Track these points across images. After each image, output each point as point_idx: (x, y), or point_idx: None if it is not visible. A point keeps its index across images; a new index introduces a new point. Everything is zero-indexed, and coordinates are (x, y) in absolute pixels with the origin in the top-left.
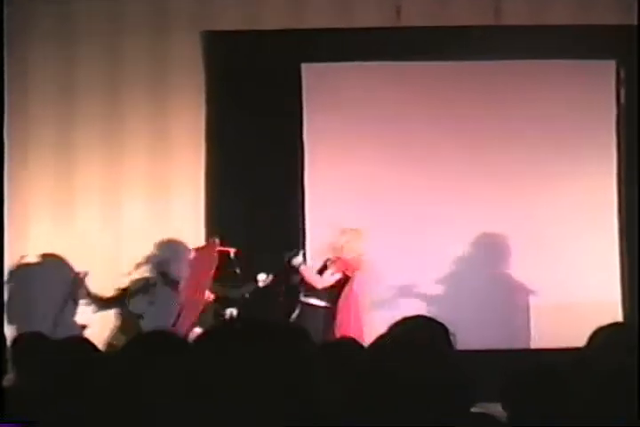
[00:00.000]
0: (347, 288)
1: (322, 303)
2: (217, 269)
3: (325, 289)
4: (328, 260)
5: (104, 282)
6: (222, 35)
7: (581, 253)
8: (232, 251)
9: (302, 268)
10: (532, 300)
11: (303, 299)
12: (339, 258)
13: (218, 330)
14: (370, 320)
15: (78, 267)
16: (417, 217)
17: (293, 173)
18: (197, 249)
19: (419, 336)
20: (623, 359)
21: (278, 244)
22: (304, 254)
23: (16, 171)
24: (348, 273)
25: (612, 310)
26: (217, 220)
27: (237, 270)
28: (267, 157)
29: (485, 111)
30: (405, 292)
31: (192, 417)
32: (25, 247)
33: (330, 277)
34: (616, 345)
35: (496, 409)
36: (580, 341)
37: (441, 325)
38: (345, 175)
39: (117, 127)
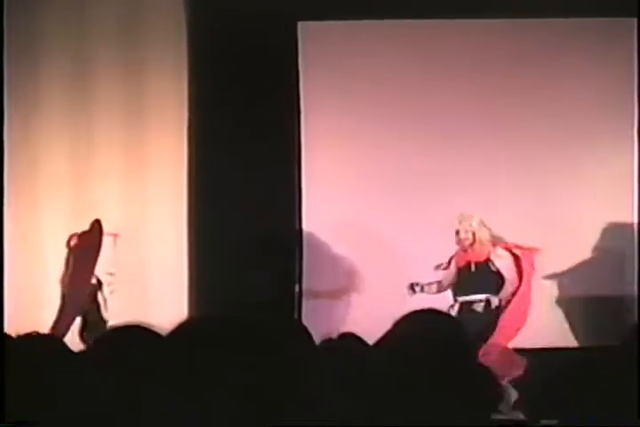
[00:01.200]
0: (526, 269)
1: (481, 297)
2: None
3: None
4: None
5: None
6: None
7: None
8: (115, 235)
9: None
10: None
11: (462, 298)
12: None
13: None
14: None
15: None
16: (417, 188)
17: (290, 140)
18: (79, 235)
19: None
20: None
21: (269, 228)
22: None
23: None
24: (517, 251)
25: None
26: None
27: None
28: (258, 130)
29: (497, 73)
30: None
31: (182, 417)
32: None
33: (510, 264)
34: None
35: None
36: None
37: (452, 318)
38: (343, 139)
39: (87, 94)
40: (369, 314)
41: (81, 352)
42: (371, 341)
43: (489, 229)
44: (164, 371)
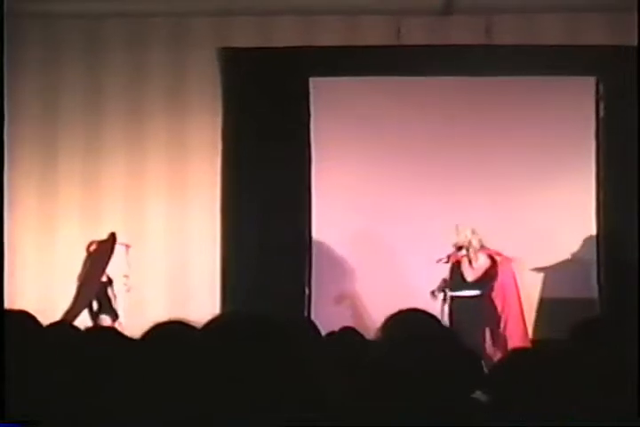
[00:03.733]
0: (502, 273)
1: (473, 293)
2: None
3: (475, 280)
4: (451, 255)
5: None
6: (238, 51)
7: (563, 255)
8: (128, 246)
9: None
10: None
11: (451, 293)
12: (486, 248)
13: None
14: None
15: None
16: (422, 220)
17: (302, 179)
18: (97, 242)
19: (413, 328)
20: (601, 353)
21: (288, 244)
22: (309, 255)
23: (43, 176)
24: (498, 257)
25: (590, 306)
26: (231, 223)
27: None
28: (278, 165)
29: (478, 121)
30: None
31: (193, 410)
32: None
33: (483, 265)
34: (593, 339)
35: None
36: (562, 334)
37: (433, 317)
38: (350, 181)
39: (139, 134)
40: (372, 312)
41: (131, 343)
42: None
43: (479, 238)
44: (199, 360)
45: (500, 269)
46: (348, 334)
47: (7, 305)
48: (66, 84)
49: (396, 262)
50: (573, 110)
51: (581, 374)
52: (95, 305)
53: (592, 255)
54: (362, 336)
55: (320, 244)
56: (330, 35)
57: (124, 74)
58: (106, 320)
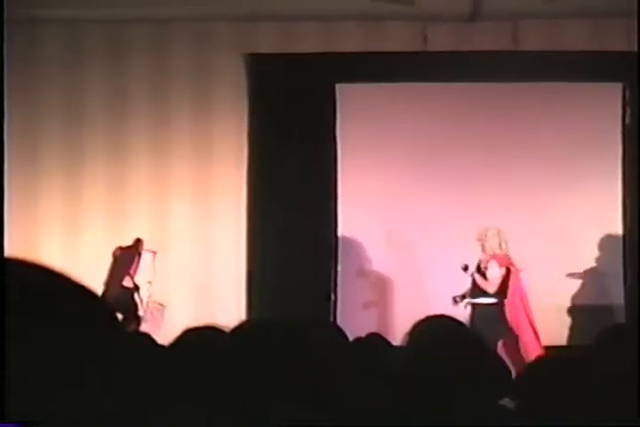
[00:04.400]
0: (513, 283)
1: (491, 300)
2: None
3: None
4: (481, 260)
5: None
6: (263, 57)
7: (589, 257)
8: (154, 252)
9: (475, 277)
10: (544, 301)
11: (470, 300)
12: (495, 255)
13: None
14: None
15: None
16: (447, 224)
17: (328, 184)
18: (122, 248)
19: (442, 334)
20: (625, 359)
21: (314, 249)
22: (336, 255)
23: (69, 181)
24: (512, 268)
25: (616, 313)
26: (256, 228)
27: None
28: (303, 169)
29: (504, 127)
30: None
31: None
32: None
33: (497, 275)
34: (619, 346)
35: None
36: (584, 340)
37: (460, 323)
38: (376, 185)
39: (164, 140)
40: (398, 318)
41: (162, 349)
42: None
43: (500, 242)
44: (226, 366)
45: (512, 278)
46: (375, 340)
47: None
48: (90, 88)
49: (423, 267)
50: (600, 116)
51: (607, 380)
52: (123, 310)
53: (618, 261)
54: (388, 342)
55: (346, 248)
56: (356, 41)
57: (149, 79)
58: (131, 326)
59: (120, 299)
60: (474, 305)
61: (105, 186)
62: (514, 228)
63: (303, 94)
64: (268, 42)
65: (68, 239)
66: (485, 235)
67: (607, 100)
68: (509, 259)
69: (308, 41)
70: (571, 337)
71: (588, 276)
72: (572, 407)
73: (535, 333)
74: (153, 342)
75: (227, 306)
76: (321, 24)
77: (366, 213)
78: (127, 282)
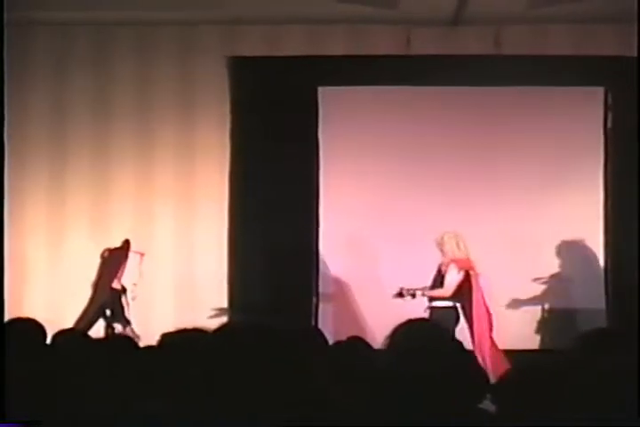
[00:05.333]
0: (473, 286)
1: (450, 304)
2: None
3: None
4: (442, 264)
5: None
6: (247, 60)
7: (570, 264)
8: (142, 254)
9: (420, 294)
10: (524, 306)
11: (430, 304)
12: (455, 259)
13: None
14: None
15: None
16: (425, 228)
17: (311, 187)
18: (111, 249)
19: (422, 337)
20: (607, 362)
21: (296, 252)
22: (317, 263)
23: (53, 183)
24: (471, 272)
25: (598, 317)
26: (239, 230)
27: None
28: (286, 172)
29: (486, 131)
30: None
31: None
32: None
33: (455, 279)
34: (601, 349)
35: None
36: (567, 344)
37: (442, 328)
38: (358, 189)
39: (148, 143)
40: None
41: (148, 349)
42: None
43: (458, 245)
44: (206, 367)
45: (473, 283)
46: (355, 344)
47: (17, 314)
48: (74, 92)
49: (405, 269)
50: (582, 121)
51: (588, 384)
52: (108, 313)
53: (599, 266)
54: (369, 345)
55: (328, 251)
56: (339, 44)
57: (133, 81)
58: (117, 328)
59: (108, 301)
60: (432, 308)
61: (89, 188)
62: (493, 234)
63: (286, 97)
64: (252, 45)
65: (53, 241)
66: (442, 238)
67: (589, 104)
68: (470, 262)
69: (292, 44)
70: (538, 341)
71: (571, 280)
72: (551, 412)
73: (490, 336)
74: (135, 345)
75: (209, 308)
76: (304, 27)
77: (348, 216)
78: (115, 284)
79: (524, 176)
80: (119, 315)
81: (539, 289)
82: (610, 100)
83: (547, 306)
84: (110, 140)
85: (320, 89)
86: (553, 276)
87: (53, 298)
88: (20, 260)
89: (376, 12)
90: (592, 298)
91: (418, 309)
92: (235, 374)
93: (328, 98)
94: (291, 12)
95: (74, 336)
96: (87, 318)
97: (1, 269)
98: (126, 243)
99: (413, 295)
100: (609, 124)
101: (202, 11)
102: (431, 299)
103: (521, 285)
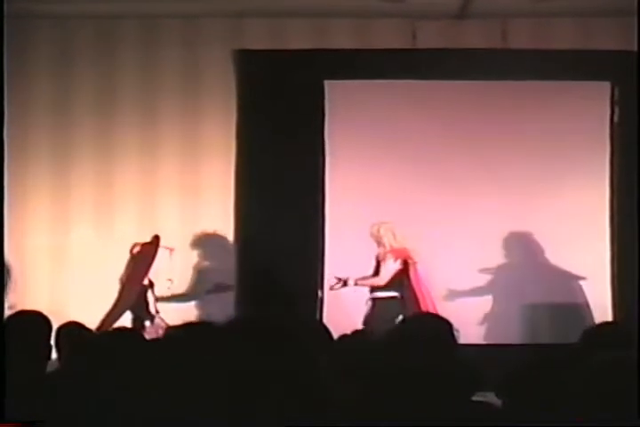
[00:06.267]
0: (413, 276)
1: (393, 294)
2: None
3: (390, 280)
4: (379, 254)
5: None
6: (253, 54)
7: (575, 258)
8: (171, 249)
9: (353, 283)
10: (529, 300)
11: (371, 295)
12: (392, 249)
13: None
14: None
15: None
16: (432, 222)
17: (316, 181)
18: (141, 244)
19: (426, 331)
20: (613, 356)
21: (298, 245)
22: (322, 257)
23: (57, 178)
24: (409, 261)
25: (603, 311)
26: (245, 225)
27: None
28: (292, 167)
29: (491, 125)
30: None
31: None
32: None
33: (391, 269)
34: (607, 342)
35: (492, 398)
36: (573, 338)
37: (446, 321)
38: (364, 183)
39: (152, 135)
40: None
41: (153, 343)
42: None
43: (395, 236)
44: (211, 360)
45: (412, 272)
46: (360, 337)
47: (19, 307)
48: (78, 84)
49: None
50: (588, 115)
51: (590, 379)
52: (136, 307)
53: (605, 260)
54: (374, 339)
55: (333, 246)
56: (345, 37)
57: (137, 75)
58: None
59: (137, 297)
60: (373, 299)
61: (93, 182)
62: (499, 228)
63: (292, 91)
64: (258, 38)
65: (56, 235)
66: (379, 231)
67: (595, 99)
68: (407, 251)
69: (298, 38)
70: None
71: (576, 275)
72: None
73: None
74: (143, 338)
75: (214, 302)
76: (310, 21)
77: (354, 211)
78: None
79: (530, 171)
80: (144, 310)
81: (540, 283)
82: (616, 94)
83: (554, 302)
84: (114, 134)
85: (326, 83)
86: (562, 272)
87: (56, 291)
88: (23, 253)
89: (382, 6)
90: (597, 293)
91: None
92: (238, 368)
93: (334, 91)
94: (296, 6)
95: (77, 329)
96: (116, 314)
97: (1, 267)
98: (156, 238)
99: (345, 284)
100: (615, 119)
101: (207, 3)
102: (372, 289)
103: (526, 279)
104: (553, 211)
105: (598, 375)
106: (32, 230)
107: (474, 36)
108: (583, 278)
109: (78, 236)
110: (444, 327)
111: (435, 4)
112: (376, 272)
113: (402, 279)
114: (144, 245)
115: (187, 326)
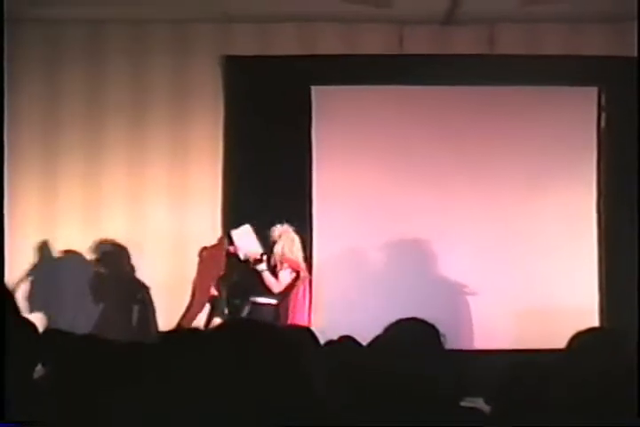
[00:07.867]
0: (300, 287)
1: (272, 301)
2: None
3: (284, 290)
4: (274, 259)
5: None
6: (240, 59)
7: (562, 262)
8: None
9: (265, 273)
10: (515, 304)
11: (252, 298)
12: (285, 258)
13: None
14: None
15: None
16: (418, 226)
17: (304, 186)
18: (207, 248)
19: (413, 337)
20: (601, 362)
21: None
22: (310, 263)
23: (45, 179)
24: (302, 273)
25: (589, 315)
26: (233, 226)
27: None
28: (279, 171)
29: (478, 130)
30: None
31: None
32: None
33: (287, 278)
34: (594, 348)
35: (480, 403)
36: (560, 344)
37: (432, 327)
38: (351, 187)
39: (140, 137)
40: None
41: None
42: None
43: (293, 244)
44: (199, 366)
45: (300, 285)
46: (347, 343)
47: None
48: (67, 88)
49: (397, 266)
50: (575, 120)
51: (578, 384)
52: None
53: (592, 264)
54: (360, 345)
55: (320, 251)
56: (332, 43)
57: (126, 79)
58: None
59: (206, 299)
60: (253, 303)
61: (81, 183)
62: (486, 233)
63: (279, 96)
64: (245, 44)
65: (44, 236)
66: (279, 236)
67: (582, 104)
68: (299, 264)
69: (285, 43)
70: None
71: (561, 279)
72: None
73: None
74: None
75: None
76: (297, 26)
77: (341, 215)
78: (213, 289)
79: (518, 175)
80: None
81: (527, 287)
82: (603, 99)
83: (542, 307)
84: (103, 136)
85: (313, 88)
86: (548, 276)
87: (46, 292)
88: (10, 254)
89: (369, 11)
90: (583, 296)
91: (413, 309)
92: (224, 375)
93: (321, 97)
94: (283, 11)
95: (65, 334)
96: (191, 315)
97: (1, 270)
98: (222, 239)
99: (260, 260)
100: (602, 124)
101: (195, 9)
102: (256, 293)
103: (511, 280)
104: (540, 215)
105: (586, 381)
106: (20, 231)
107: (461, 42)
108: (570, 283)
109: (66, 237)
110: (430, 332)
111: (422, 10)
112: (275, 275)
113: (290, 289)
114: (211, 248)
115: (172, 332)
